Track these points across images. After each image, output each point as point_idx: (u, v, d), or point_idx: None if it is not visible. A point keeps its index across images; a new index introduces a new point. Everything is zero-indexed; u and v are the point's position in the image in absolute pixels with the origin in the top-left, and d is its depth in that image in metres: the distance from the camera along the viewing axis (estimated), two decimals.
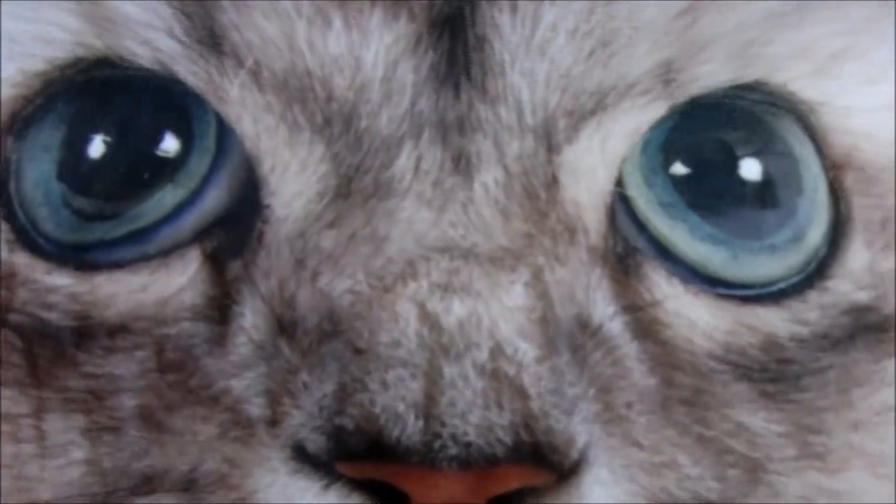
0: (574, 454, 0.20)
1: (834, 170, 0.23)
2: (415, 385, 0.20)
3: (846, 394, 0.22)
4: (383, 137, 0.22)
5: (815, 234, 0.23)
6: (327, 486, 0.20)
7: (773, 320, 0.22)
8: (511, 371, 0.20)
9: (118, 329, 0.21)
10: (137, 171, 0.22)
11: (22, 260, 0.22)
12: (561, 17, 0.22)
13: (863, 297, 0.22)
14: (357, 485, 0.20)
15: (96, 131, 0.22)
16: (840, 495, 0.22)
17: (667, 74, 0.22)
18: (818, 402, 0.22)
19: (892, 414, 0.22)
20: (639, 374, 0.21)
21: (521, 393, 0.20)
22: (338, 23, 0.21)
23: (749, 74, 0.23)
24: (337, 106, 0.22)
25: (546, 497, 0.20)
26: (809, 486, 0.22)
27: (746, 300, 0.22)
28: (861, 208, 0.23)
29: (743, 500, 0.21)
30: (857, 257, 0.22)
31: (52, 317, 0.21)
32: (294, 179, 0.22)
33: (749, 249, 0.22)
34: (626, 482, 0.21)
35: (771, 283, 0.22)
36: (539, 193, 0.22)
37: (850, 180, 0.23)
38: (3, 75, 0.22)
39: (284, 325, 0.21)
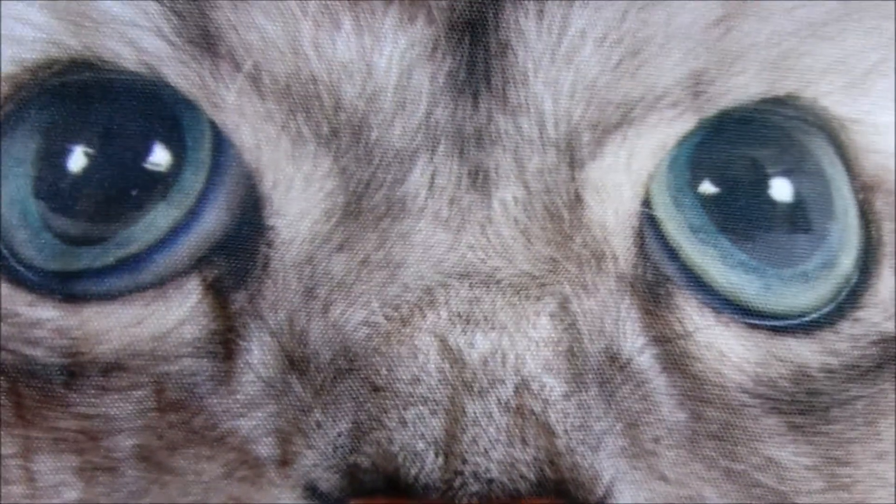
0: (599, 490, 0.20)
1: (864, 192, 0.22)
2: (435, 422, 0.19)
3: (873, 425, 0.22)
4: (396, 150, 0.20)
5: (847, 260, 0.22)
6: None
7: (804, 352, 0.21)
8: (537, 408, 0.19)
9: (112, 367, 0.20)
10: (125, 187, 0.20)
11: (2, 290, 0.20)
12: (591, 23, 0.20)
13: (891, 326, 0.22)
14: None
15: (76, 142, 0.20)
16: None
17: (697, 86, 0.21)
18: (846, 433, 0.21)
19: None
20: (667, 408, 0.21)
21: (547, 430, 0.19)
22: (348, 24, 0.20)
23: (781, 88, 0.21)
24: (345, 116, 0.20)
25: None
26: None
27: (777, 331, 0.21)
28: (891, 233, 0.22)
29: None
30: (887, 285, 0.22)
31: (38, 353, 0.20)
32: (299, 197, 0.20)
33: (781, 277, 0.21)
34: None
35: (802, 314, 0.21)
36: (562, 213, 0.21)
37: (880, 203, 0.22)
38: None
39: (295, 362, 0.20)
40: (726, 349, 0.21)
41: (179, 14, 0.20)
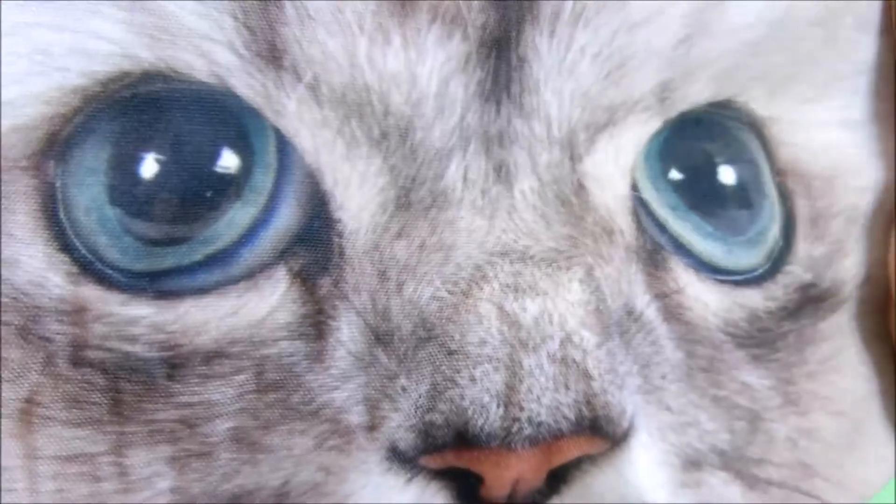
0: (625, 423, 0.23)
1: (780, 175, 0.28)
2: (497, 377, 0.22)
3: (801, 351, 0.27)
4: (436, 149, 0.23)
5: (775, 228, 0.27)
6: (409, 480, 0.21)
7: (755, 298, 0.26)
8: (578, 356, 0.22)
9: (214, 355, 0.20)
10: (198, 189, 0.21)
11: (90, 293, 0.20)
12: (589, 42, 0.24)
13: (807, 277, 0.27)
14: (435, 475, 0.22)
15: (146, 150, 0.21)
16: (811, 433, 0.27)
17: (663, 93, 0.25)
18: (787, 359, 0.27)
19: (832, 363, 0.28)
20: (669, 350, 0.25)
21: (587, 374, 0.22)
22: (397, 40, 0.22)
23: (723, 94, 0.26)
24: (394, 120, 0.22)
25: (600, 463, 0.23)
26: (792, 429, 0.27)
27: (737, 284, 0.26)
28: (800, 207, 0.28)
29: (747, 447, 0.26)
30: (801, 247, 0.27)
31: (137, 349, 0.20)
32: (356, 192, 0.22)
33: (737, 244, 0.26)
34: (660, 442, 0.24)
35: (752, 270, 0.27)
36: (571, 199, 0.24)
37: (791, 184, 0.28)
38: (34, 91, 0.20)
39: (380, 336, 0.21)
40: (706, 300, 0.26)
41: (251, 29, 0.21)
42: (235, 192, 0.21)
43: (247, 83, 0.21)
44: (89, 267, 0.20)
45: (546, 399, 0.22)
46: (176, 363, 0.20)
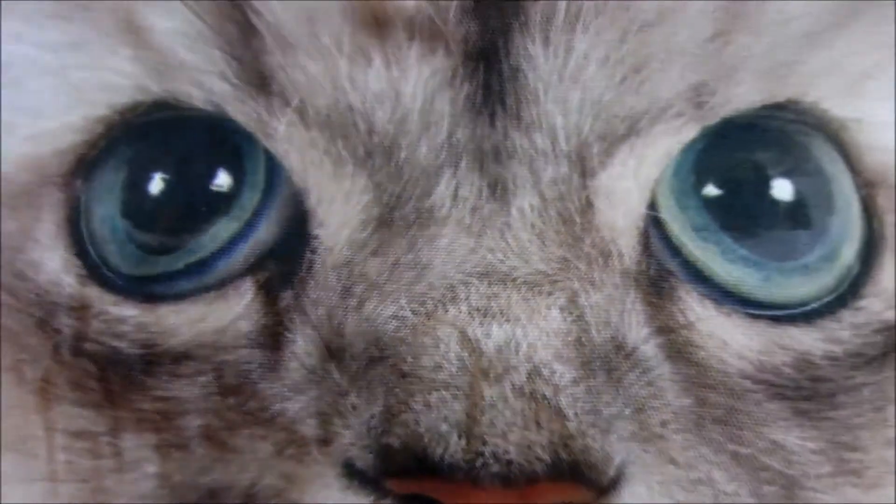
0: (611, 472, 0.21)
1: (867, 188, 0.23)
2: (457, 406, 0.21)
3: (881, 411, 0.22)
4: (423, 167, 0.22)
5: (848, 252, 0.23)
6: (376, 502, 0.21)
7: (806, 340, 0.22)
8: (548, 392, 0.21)
9: (182, 356, 0.23)
10: (195, 205, 0.23)
11: (93, 293, 0.23)
12: (592, 47, 0.22)
13: (893, 315, 0.22)
14: (404, 500, 0.21)
15: (156, 170, 0.24)
16: None
17: (699, 97, 0.22)
18: (853, 419, 0.22)
19: None
20: (672, 394, 0.22)
21: (559, 413, 0.21)
22: (378, 60, 0.22)
23: (780, 94, 0.23)
24: (378, 139, 0.22)
25: None
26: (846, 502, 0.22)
27: (779, 320, 0.22)
28: (891, 226, 0.23)
29: None
30: (889, 276, 0.23)
31: (122, 345, 0.23)
32: (339, 210, 0.23)
33: (781, 270, 0.23)
34: (664, 498, 0.21)
35: (803, 304, 0.22)
36: (574, 218, 0.22)
37: (882, 198, 0.23)
38: (70, 122, 0.24)
39: (333, 351, 0.22)
40: (728, 338, 0.22)
41: (239, 59, 0.23)
42: (225, 209, 0.23)
43: (240, 109, 0.23)
44: (96, 271, 0.24)
45: (514, 436, 0.20)
46: (151, 360, 0.23)
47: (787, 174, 0.23)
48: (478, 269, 0.22)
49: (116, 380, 0.23)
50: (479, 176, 0.23)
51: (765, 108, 0.23)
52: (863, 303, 0.22)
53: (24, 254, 0.23)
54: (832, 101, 0.23)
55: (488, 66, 0.23)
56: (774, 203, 0.23)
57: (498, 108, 0.23)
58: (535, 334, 0.21)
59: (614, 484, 0.21)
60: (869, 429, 0.22)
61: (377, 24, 0.22)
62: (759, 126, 0.23)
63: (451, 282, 0.22)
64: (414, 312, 0.22)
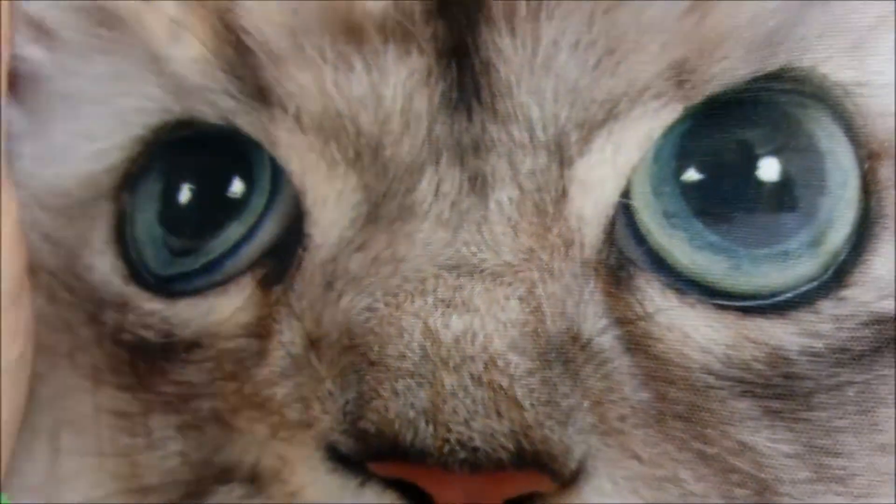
0: (571, 463, 0.21)
1: (870, 160, 0.21)
2: (422, 393, 0.21)
3: (868, 413, 0.20)
4: (406, 165, 0.23)
5: (836, 237, 0.21)
6: (363, 484, 0.22)
7: (779, 333, 0.20)
8: (504, 382, 0.21)
9: (192, 345, 0.25)
10: (214, 211, 0.26)
11: (132, 291, 0.27)
12: (560, 33, 0.22)
13: (888, 306, 0.20)
14: (389, 484, 0.22)
15: (184, 181, 0.27)
16: None
17: (679, 76, 0.21)
18: (834, 421, 0.20)
19: None
20: (630, 387, 0.21)
21: (516, 403, 0.21)
22: (358, 65, 0.23)
23: (773, 63, 0.21)
24: (365, 140, 0.23)
25: (553, 502, 0.21)
26: None
27: (748, 311, 0.21)
28: (891, 203, 0.20)
29: None
30: (885, 261, 0.20)
31: (149, 335, 0.26)
32: (332, 209, 0.24)
33: (753, 258, 0.21)
34: (629, 494, 0.21)
35: (774, 294, 0.21)
36: (548, 209, 0.22)
37: (884, 171, 0.21)
38: (117, 142, 0.27)
39: (313, 341, 0.24)
40: (690, 330, 0.21)
41: (240, 77, 0.25)
42: (237, 213, 0.26)
43: (247, 122, 0.25)
44: (136, 272, 0.27)
45: (477, 424, 0.21)
46: (168, 348, 0.26)
47: (775, 153, 0.21)
48: (450, 262, 0.22)
49: (144, 366, 0.26)
50: (460, 170, 0.23)
51: (755, 80, 0.21)
52: (847, 292, 0.20)
53: (80, 258, 0.27)
54: (832, 63, 0.21)
55: (460, 63, 0.23)
56: (759, 185, 0.21)
57: (474, 103, 0.23)
58: (492, 325, 0.21)
59: (576, 476, 0.21)
60: (854, 433, 0.20)
61: (351, 31, 0.24)
62: (747, 101, 0.21)
63: (424, 275, 0.22)
64: (386, 304, 0.23)
